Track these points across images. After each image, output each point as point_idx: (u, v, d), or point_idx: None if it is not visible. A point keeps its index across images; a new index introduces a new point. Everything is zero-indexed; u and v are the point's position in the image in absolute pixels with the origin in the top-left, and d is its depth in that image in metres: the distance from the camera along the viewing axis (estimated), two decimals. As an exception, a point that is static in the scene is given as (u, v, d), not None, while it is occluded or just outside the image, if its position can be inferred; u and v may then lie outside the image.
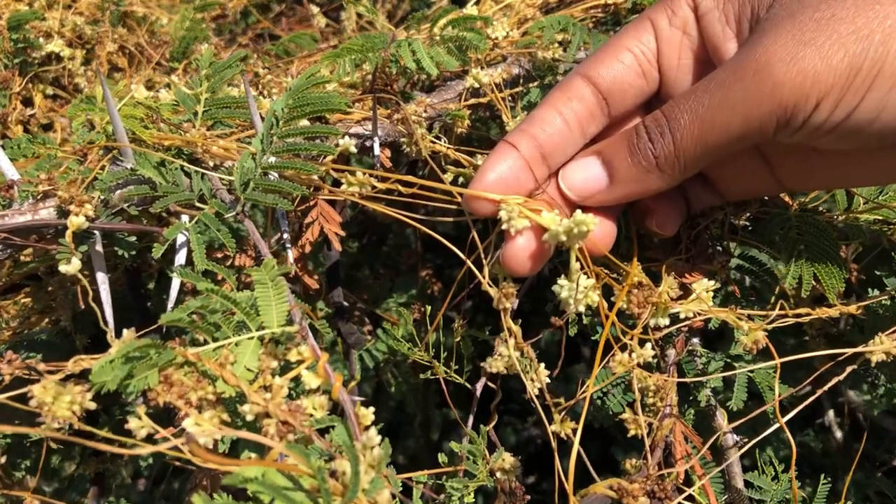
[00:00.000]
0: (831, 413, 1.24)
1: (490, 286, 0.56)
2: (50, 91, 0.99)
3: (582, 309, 0.54)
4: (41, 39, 0.95)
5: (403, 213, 0.59)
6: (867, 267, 0.75)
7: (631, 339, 0.57)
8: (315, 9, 1.17)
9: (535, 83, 0.82)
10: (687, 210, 0.64)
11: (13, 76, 0.92)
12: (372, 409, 0.48)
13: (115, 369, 0.45)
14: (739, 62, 0.49)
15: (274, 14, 1.30)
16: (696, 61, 0.58)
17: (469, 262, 0.57)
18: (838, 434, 1.24)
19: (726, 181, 0.62)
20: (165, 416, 0.66)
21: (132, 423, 0.45)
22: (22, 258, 0.72)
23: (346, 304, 0.97)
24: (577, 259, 0.54)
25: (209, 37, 1.03)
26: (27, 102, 0.97)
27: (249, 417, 0.46)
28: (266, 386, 0.48)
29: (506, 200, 0.54)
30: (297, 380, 0.50)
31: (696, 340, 0.67)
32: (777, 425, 0.55)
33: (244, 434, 0.44)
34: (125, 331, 0.48)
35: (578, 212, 0.50)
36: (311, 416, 0.48)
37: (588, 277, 0.55)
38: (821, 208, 0.70)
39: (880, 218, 0.69)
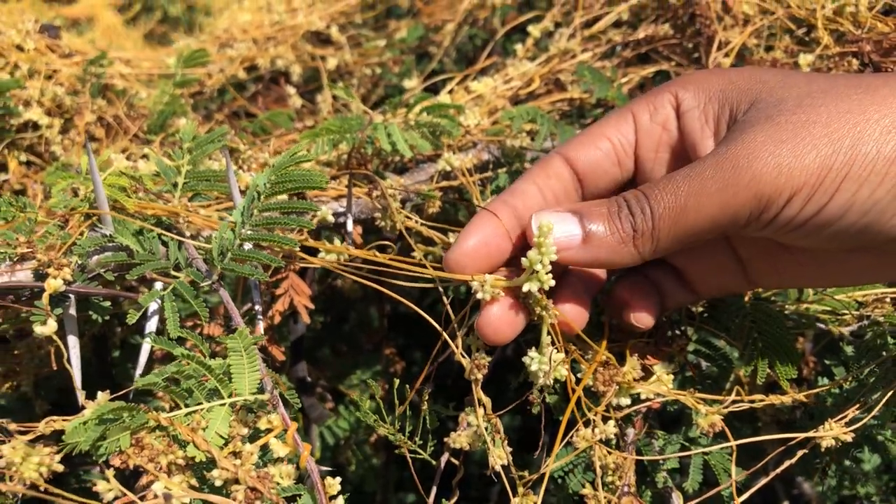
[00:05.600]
0: (785, 504, 1.26)
1: (463, 356, 0.58)
2: (24, 157, 1.00)
3: (550, 382, 0.56)
4: (20, 107, 0.96)
5: (376, 282, 0.61)
6: (817, 356, 0.78)
7: (595, 416, 0.59)
8: (291, 90, 1.21)
9: (504, 169, 0.86)
10: (661, 307, 0.65)
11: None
12: (339, 478, 0.49)
13: (89, 430, 0.46)
14: (720, 154, 0.51)
15: (250, 93, 1.33)
16: (673, 156, 0.61)
17: (445, 334, 0.59)
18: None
19: (700, 278, 0.64)
20: (124, 482, 0.65)
21: (100, 486, 0.45)
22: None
23: (308, 378, 0.98)
24: (549, 333, 0.56)
25: (187, 112, 1.05)
26: (1, 167, 0.97)
27: (218, 483, 0.46)
28: (236, 452, 0.48)
29: (476, 278, 0.56)
30: (265, 448, 0.51)
31: (653, 423, 0.69)
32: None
33: (213, 498, 0.45)
34: (100, 393, 0.49)
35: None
36: (278, 484, 0.49)
37: (558, 352, 0.57)
38: (774, 298, 0.73)
39: (828, 308, 0.72)
